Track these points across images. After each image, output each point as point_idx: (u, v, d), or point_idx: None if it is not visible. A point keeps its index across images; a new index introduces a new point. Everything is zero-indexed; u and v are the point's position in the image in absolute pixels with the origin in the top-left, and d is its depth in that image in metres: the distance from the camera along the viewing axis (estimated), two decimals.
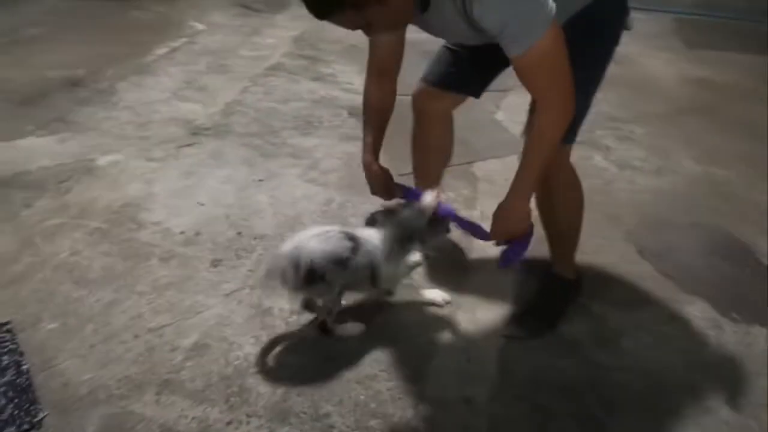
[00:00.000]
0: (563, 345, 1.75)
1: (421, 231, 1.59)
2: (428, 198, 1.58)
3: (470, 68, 1.71)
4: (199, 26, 4.12)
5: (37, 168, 2.45)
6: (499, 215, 1.51)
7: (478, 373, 1.64)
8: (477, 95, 1.81)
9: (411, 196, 1.70)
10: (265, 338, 1.73)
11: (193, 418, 1.49)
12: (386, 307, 1.84)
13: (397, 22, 1.35)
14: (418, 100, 1.84)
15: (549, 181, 1.61)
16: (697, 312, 1.90)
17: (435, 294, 1.86)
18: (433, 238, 1.64)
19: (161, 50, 3.62)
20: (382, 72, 1.64)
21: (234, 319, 1.79)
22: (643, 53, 3.84)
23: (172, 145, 2.66)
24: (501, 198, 1.50)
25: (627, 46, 3.87)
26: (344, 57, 3.67)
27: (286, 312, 1.82)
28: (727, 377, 1.68)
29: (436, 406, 1.54)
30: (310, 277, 1.51)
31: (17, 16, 4.05)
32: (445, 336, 1.76)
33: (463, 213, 2.26)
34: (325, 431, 1.47)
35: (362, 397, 1.56)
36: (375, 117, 1.70)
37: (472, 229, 1.69)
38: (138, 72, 3.34)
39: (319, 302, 1.69)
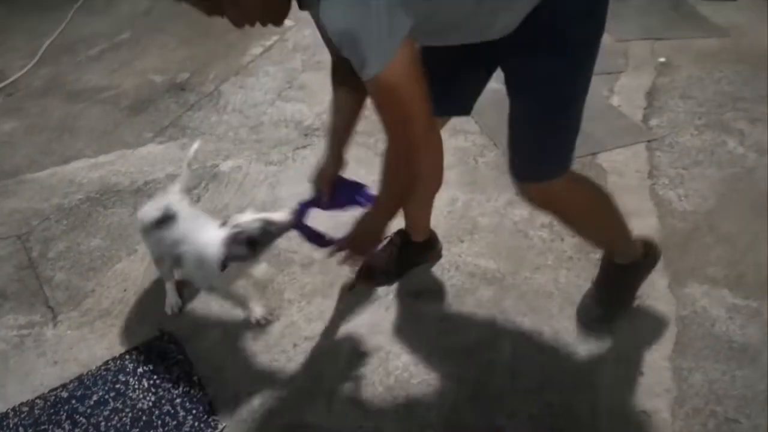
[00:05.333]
0: (734, 351, 1.65)
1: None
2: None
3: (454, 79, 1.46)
4: (288, 22, 4.12)
5: (166, 175, 2.52)
6: (356, 231, 1.46)
7: (653, 385, 1.57)
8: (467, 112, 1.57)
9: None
10: (417, 345, 1.72)
11: (369, 429, 1.51)
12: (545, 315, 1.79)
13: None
14: None
15: (555, 217, 1.56)
16: None
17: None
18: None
19: (256, 50, 3.64)
20: None
21: (384, 327, 1.79)
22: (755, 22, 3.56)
23: (287, 147, 2.68)
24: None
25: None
26: None
27: (436, 318, 1.81)
28: None
29: (616, 420, 1.49)
30: None
31: (109, 20, 4.16)
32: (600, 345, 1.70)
33: None
34: None
35: (534, 410, 1.53)
36: None
37: (317, 239, 1.66)
38: (238, 73, 3.38)
39: None
